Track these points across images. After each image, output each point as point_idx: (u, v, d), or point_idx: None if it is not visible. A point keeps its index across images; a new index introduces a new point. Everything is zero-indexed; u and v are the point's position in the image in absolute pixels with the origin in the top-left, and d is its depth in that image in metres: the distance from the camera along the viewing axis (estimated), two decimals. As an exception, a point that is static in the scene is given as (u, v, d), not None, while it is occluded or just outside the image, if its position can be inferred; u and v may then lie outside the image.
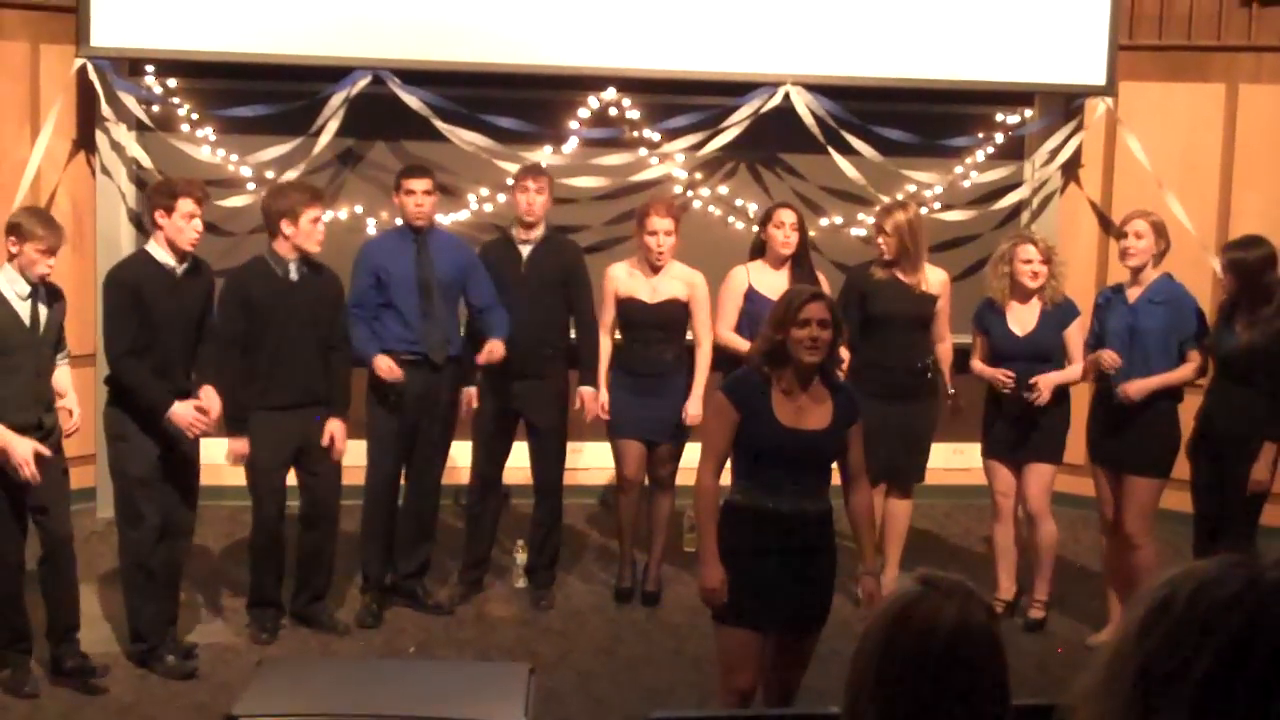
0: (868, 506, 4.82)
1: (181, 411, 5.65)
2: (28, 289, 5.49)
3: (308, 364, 6.15)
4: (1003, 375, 6.36)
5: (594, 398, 6.70)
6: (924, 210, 7.50)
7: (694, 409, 6.59)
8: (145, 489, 5.76)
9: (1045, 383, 6.32)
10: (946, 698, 2.03)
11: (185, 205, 5.71)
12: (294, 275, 6.14)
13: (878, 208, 7.29)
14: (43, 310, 5.57)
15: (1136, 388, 6.10)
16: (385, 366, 6.31)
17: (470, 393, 6.66)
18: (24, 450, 5.34)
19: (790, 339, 4.51)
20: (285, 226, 6.07)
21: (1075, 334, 6.41)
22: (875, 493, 6.68)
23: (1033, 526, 6.54)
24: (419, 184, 6.48)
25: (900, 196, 7.85)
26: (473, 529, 6.83)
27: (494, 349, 6.39)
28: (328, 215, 6.59)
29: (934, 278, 6.68)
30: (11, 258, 5.48)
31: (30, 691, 5.55)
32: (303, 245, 6.10)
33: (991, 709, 2.06)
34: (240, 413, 6.04)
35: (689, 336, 6.79)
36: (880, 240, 6.61)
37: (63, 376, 5.79)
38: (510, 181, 6.99)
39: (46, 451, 5.43)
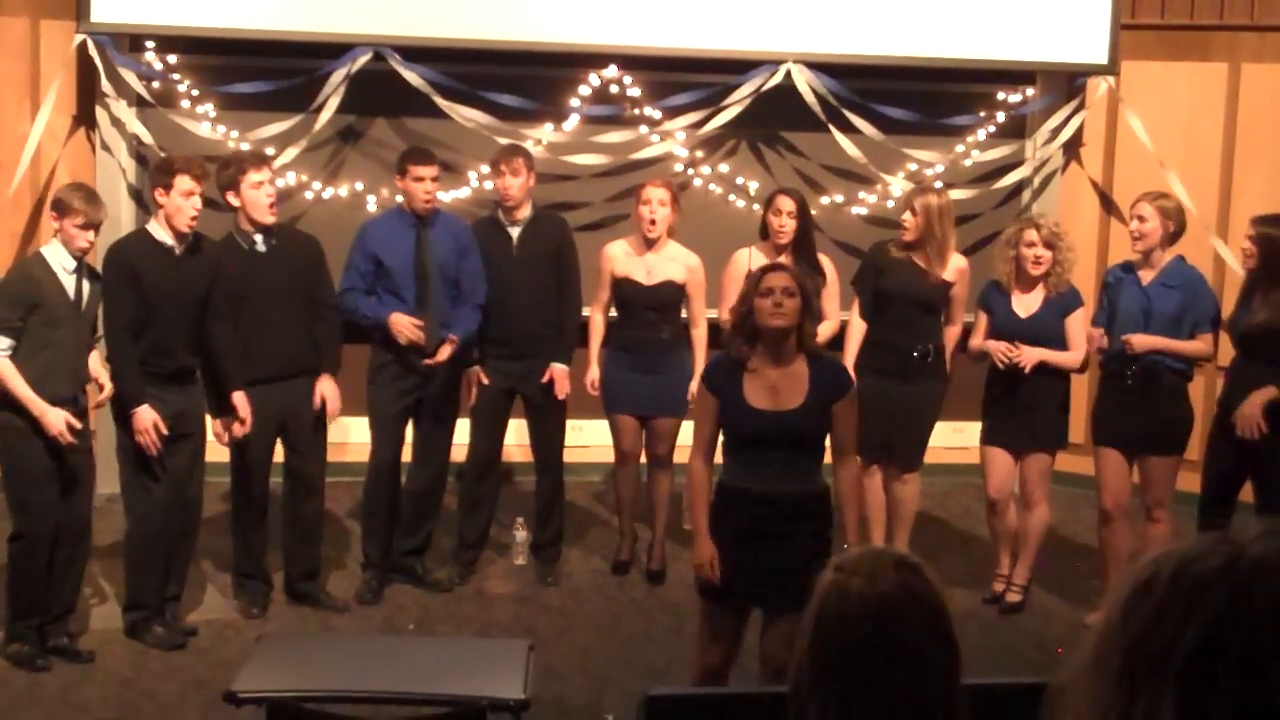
0: (852, 482, 4.88)
1: (145, 417, 5.65)
2: (73, 263, 5.58)
3: (288, 334, 6.14)
4: (1005, 347, 6.30)
5: (565, 375, 6.68)
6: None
7: (695, 388, 6.60)
8: (155, 459, 5.78)
9: (1030, 354, 6.24)
10: (878, 668, 2.05)
11: (183, 183, 5.71)
12: (261, 246, 6.14)
13: (910, 188, 7.27)
14: (86, 287, 5.64)
15: (1141, 340, 6.08)
16: (405, 324, 6.28)
17: (473, 374, 6.64)
18: (56, 420, 5.48)
19: (756, 310, 4.58)
20: (232, 198, 6.12)
21: (1077, 322, 6.32)
22: (874, 472, 6.72)
23: (1025, 510, 6.52)
24: (428, 170, 6.42)
25: (911, 172, 7.86)
26: (470, 509, 6.83)
27: (443, 351, 6.39)
28: (279, 181, 6.61)
29: (952, 264, 6.58)
30: (55, 233, 5.57)
31: (42, 665, 5.60)
32: (253, 215, 6.10)
33: (932, 672, 2.08)
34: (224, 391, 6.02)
35: (684, 315, 6.80)
36: (904, 218, 6.53)
37: (94, 360, 5.83)
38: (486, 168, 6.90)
39: (78, 424, 5.56)
